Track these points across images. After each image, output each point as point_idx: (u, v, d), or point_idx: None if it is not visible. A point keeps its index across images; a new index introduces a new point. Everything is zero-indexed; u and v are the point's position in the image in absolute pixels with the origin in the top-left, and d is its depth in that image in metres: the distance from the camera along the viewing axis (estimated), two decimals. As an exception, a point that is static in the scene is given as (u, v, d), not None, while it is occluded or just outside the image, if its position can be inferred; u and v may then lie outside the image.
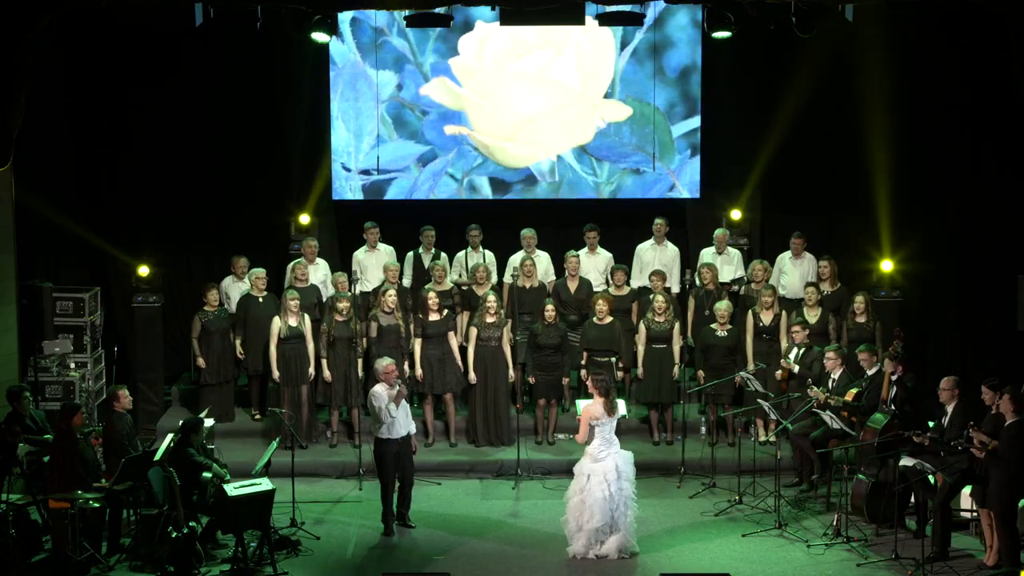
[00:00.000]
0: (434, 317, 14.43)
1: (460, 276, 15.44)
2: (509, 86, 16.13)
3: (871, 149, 16.08)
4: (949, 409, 11.94)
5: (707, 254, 15.65)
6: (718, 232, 15.70)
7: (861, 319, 14.40)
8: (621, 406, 12.46)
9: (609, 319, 14.39)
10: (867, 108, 15.95)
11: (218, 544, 12.06)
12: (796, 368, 13.67)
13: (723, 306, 14.38)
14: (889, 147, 15.94)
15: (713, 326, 14.35)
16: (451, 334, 14.53)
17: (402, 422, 12.50)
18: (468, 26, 15.86)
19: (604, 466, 11.75)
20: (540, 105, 16.19)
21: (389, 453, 12.47)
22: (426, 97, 16.18)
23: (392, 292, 14.47)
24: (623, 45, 16.08)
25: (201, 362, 14.70)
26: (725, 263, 15.54)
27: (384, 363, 12.64)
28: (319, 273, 15.37)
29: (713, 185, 16.35)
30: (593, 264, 15.55)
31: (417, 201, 16.45)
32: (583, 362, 14.31)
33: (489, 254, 15.63)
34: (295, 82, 16.07)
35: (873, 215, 15.98)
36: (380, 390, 12.52)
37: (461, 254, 15.62)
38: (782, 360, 13.91)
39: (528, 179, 16.40)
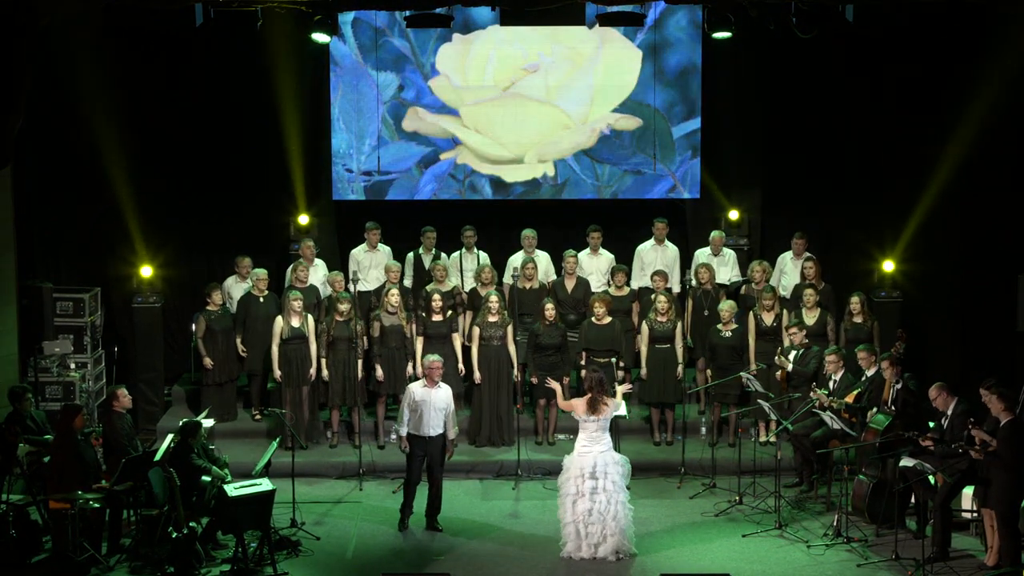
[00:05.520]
0: (437, 318, 14.43)
1: (456, 279, 15.37)
2: (510, 113, 16.16)
3: (871, 149, 16.11)
4: (949, 411, 11.93)
5: (702, 255, 15.65)
6: (714, 234, 15.68)
7: (858, 319, 14.40)
8: (620, 406, 12.44)
9: (608, 319, 14.38)
10: (867, 108, 15.97)
11: (218, 544, 12.05)
12: (790, 367, 13.67)
13: (726, 306, 14.37)
14: (888, 147, 15.97)
15: (718, 326, 14.35)
16: (455, 335, 14.53)
17: (430, 421, 12.46)
18: (446, 38, 15.85)
19: (581, 462, 11.79)
20: (545, 130, 16.24)
21: (415, 449, 12.49)
22: (427, 99, 16.20)
23: (395, 292, 14.46)
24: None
25: (208, 362, 14.69)
26: (720, 265, 15.54)
27: (431, 359, 12.63)
28: (318, 274, 15.37)
29: (713, 185, 16.35)
30: (596, 265, 15.54)
31: (418, 202, 16.45)
32: (582, 362, 14.29)
33: (484, 255, 15.58)
34: (295, 82, 16.07)
35: (873, 215, 16.01)
36: (414, 386, 12.57)
37: (455, 255, 15.58)
38: (777, 358, 13.88)
39: (529, 180, 16.40)
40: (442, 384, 12.61)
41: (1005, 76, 14.24)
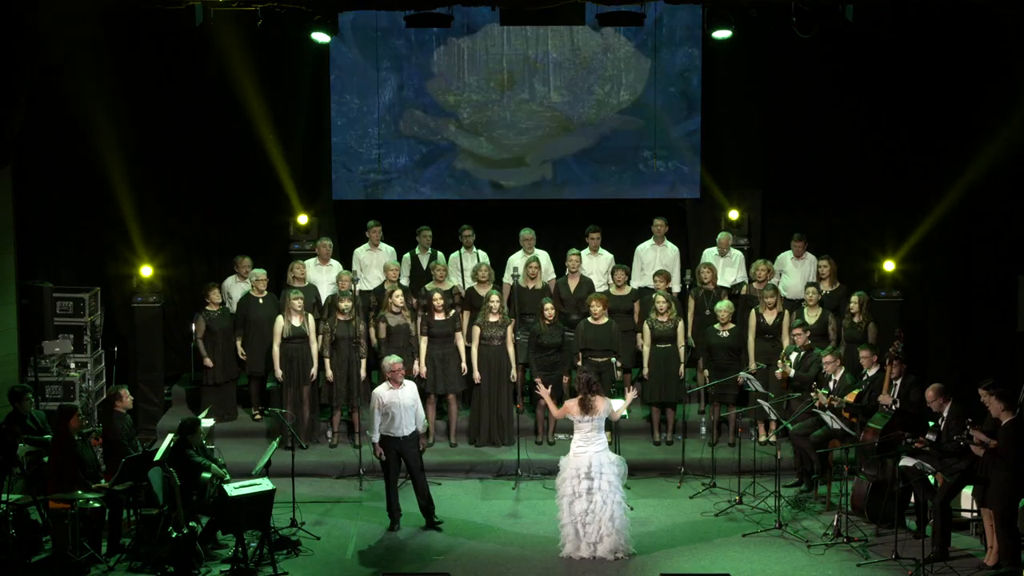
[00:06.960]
0: (439, 317, 14.43)
1: (456, 279, 15.38)
2: (510, 114, 16.17)
3: (871, 149, 16.11)
4: (945, 412, 11.93)
5: (709, 255, 15.63)
6: (721, 236, 15.67)
7: (856, 319, 14.40)
8: (619, 406, 12.42)
9: (605, 319, 14.38)
10: (867, 108, 15.97)
11: (218, 544, 12.06)
12: (792, 372, 13.66)
13: (724, 306, 14.36)
14: (888, 147, 15.98)
15: (716, 326, 14.34)
16: (458, 334, 14.53)
17: (402, 421, 12.49)
18: (446, 38, 15.86)
19: (577, 462, 11.79)
20: (545, 132, 16.26)
21: (389, 450, 12.51)
22: (426, 99, 16.21)
23: (399, 292, 14.46)
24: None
25: (209, 362, 14.69)
26: (727, 265, 15.53)
27: (391, 361, 12.66)
28: (331, 273, 15.34)
29: (713, 186, 16.35)
30: (595, 265, 15.53)
31: (417, 201, 16.45)
32: (579, 363, 14.28)
33: (483, 254, 15.57)
34: (295, 82, 16.07)
35: (873, 215, 16.01)
36: (380, 390, 12.56)
37: (455, 255, 15.58)
38: (779, 361, 13.88)
39: (529, 183, 16.40)
40: (406, 382, 12.67)
41: (1007, 75, 14.23)
